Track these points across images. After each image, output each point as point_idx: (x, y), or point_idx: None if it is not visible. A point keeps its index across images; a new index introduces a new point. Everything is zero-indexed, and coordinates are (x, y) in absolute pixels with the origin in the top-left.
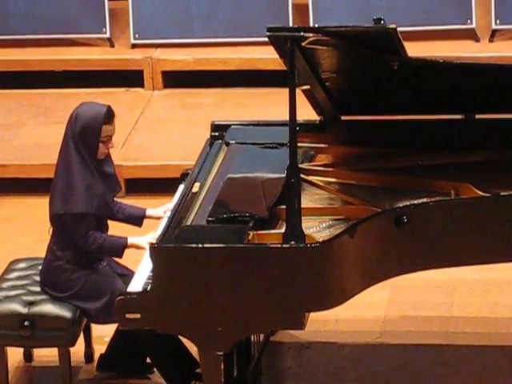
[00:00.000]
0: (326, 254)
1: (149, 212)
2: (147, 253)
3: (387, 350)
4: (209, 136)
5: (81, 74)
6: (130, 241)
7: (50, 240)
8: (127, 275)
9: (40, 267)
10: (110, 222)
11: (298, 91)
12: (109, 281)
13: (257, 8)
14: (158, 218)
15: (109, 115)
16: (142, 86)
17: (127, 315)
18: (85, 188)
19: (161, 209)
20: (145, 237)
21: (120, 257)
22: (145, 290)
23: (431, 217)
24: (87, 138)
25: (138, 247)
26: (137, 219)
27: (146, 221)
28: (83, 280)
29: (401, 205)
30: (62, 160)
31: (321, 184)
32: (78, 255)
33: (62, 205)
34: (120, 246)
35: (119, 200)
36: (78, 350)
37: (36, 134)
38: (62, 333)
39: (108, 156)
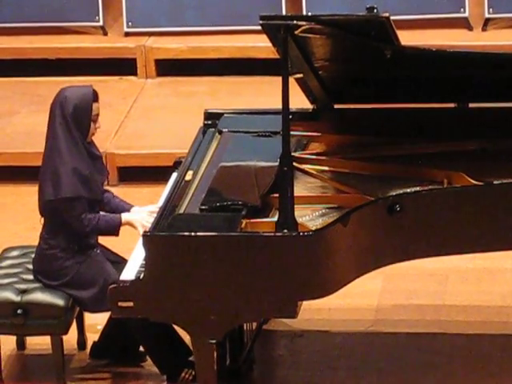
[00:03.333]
0: (319, 243)
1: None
2: (140, 241)
3: (380, 339)
4: (202, 124)
5: (74, 62)
6: (124, 218)
7: (42, 229)
8: (120, 263)
9: (33, 255)
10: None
11: (291, 79)
12: (102, 269)
13: None
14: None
15: (96, 94)
16: (135, 74)
17: (120, 303)
18: (72, 171)
19: (144, 209)
20: (138, 215)
21: (116, 235)
22: (137, 278)
23: (424, 205)
24: (80, 116)
25: (131, 225)
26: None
27: None
28: (76, 268)
29: (394, 193)
30: (50, 146)
31: (314, 172)
32: (71, 243)
33: (52, 191)
34: (115, 224)
35: (111, 189)
36: (70, 338)
37: (29, 122)
38: (55, 321)
39: (92, 141)
